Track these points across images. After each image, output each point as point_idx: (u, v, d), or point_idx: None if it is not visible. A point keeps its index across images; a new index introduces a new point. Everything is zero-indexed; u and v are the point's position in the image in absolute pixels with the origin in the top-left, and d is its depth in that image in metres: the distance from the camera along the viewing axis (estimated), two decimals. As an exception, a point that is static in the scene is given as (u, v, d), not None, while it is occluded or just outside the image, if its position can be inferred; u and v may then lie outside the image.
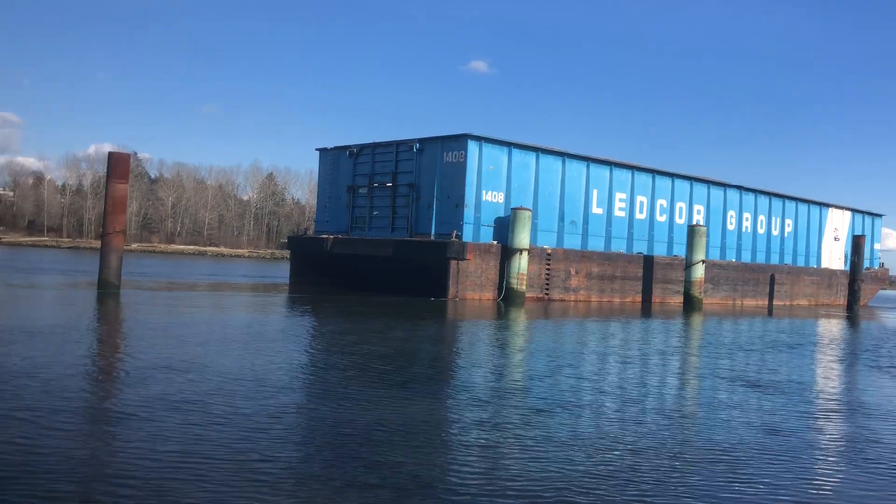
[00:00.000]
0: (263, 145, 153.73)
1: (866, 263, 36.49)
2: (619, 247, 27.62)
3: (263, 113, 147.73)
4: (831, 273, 37.87)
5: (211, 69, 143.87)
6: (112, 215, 18.24)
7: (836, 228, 38.57)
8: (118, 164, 18.53)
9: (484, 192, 23.63)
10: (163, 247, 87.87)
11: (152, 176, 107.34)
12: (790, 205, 35.55)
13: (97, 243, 23.99)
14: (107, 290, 17.48)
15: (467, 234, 23.08)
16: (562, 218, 25.86)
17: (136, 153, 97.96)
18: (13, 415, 5.36)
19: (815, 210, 37.07)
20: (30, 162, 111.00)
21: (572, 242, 26.10)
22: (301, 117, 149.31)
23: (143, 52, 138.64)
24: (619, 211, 27.72)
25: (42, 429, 5.03)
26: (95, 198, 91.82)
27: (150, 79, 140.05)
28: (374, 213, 26.31)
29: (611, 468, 4.86)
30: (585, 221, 26.58)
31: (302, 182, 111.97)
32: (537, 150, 25.20)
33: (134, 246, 78.57)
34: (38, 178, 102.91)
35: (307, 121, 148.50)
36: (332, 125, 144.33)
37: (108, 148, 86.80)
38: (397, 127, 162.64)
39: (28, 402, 5.78)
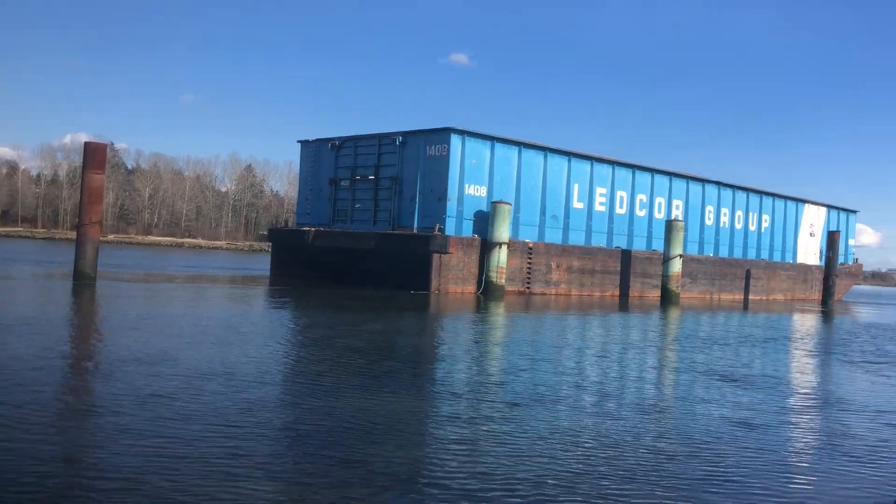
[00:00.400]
0: (242, 137, 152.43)
1: (841, 259, 37.02)
2: (599, 241, 27.74)
3: (242, 104, 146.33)
4: (807, 268, 38.36)
5: (189, 59, 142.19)
6: (88, 206, 17.97)
7: (812, 224, 39.06)
8: (95, 155, 18.25)
9: (467, 185, 23.59)
10: (140, 238, 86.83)
11: (129, 167, 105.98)
12: (767, 200, 35.93)
13: (73, 234, 23.62)
14: (82, 282, 17.23)
15: (450, 228, 23.04)
16: (543, 212, 25.90)
17: (112, 143, 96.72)
18: (-23, 410, 5.23)
19: (791, 206, 37.49)
20: (3, 151, 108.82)
21: (553, 237, 26.17)
22: (280, 109, 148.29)
23: (121, 40, 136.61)
24: (600, 206, 27.83)
25: (4, 426, 4.91)
26: (71, 188, 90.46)
27: (127, 68, 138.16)
28: (357, 205, 26.17)
29: (588, 463, 4.84)
30: (567, 216, 26.66)
31: (281, 174, 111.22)
32: (520, 144, 25.19)
33: (110, 237, 77.56)
34: (13, 167, 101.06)
35: (286, 113, 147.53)
36: (312, 117, 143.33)
37: (83, 138, 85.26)
38: (378, 119, 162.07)
39: (-6, 396, 5.64)
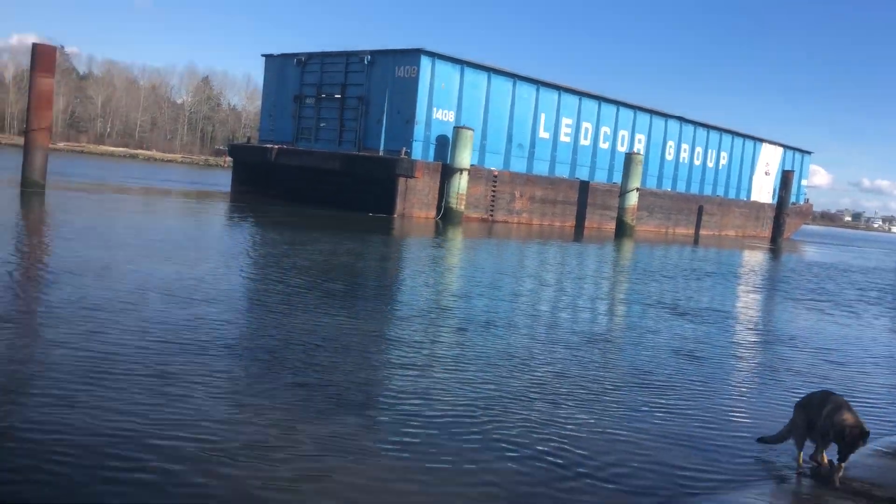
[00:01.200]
0: (199, 46, 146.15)
1: (793, 198, 37.79)
2: (562, 172, 27.73)
3: (201, 12, 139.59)
4: (760, 206, 39.15)
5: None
6: (37, 111, 17.18)
7: (768, 163, 39.62)
8: (43, 57, 17.33)
9: (435, 109, 23.14)
10: (91, 147, 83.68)
11: (81, 72, 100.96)
12: (726, 138, 36.19)
13: (20, 140, 22.50)
14: (30, 189, 16.65)
15: (417, 152, 22.71)
16: (510, 140, 25.67)
17: (62, 47, 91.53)
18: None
19: (749, 144, 37.86)
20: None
21: (518, 165, 26.04)
22: (240, 20, 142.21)
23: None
24: (565, 136, 27.68)
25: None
26: (18, 92, 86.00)
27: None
28: (322, 124, 25.53)
29: (535, 390, 4.91)
30: (532, 145, 26.48)
31: (239, 88, 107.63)
32: (489, 70, 24.69)
33: (61, 145, 74.59)
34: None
35: (246, 24, 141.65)
36: (273, 30, 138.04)
37: (31, 39, 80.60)
38: (342, 36, 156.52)
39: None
